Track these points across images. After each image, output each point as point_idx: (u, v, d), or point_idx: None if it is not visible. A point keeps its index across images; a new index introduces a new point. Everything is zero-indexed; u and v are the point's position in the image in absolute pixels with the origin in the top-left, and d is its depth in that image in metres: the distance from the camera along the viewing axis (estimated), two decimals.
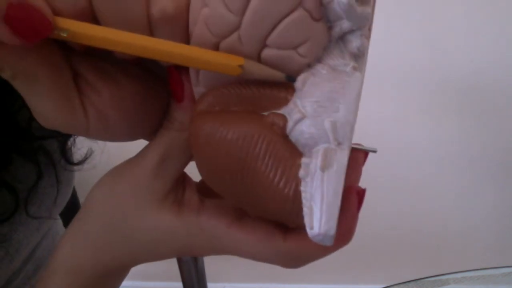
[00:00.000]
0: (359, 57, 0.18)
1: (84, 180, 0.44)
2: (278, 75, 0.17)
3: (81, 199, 0.65)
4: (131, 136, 0.22)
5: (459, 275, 0.64)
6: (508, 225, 1.18)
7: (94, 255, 0.23)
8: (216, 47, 0.17)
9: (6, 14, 0.15)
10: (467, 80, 1.05)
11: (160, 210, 0.21)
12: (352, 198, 0.19)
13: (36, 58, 0.17)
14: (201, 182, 0.25)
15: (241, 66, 0.16)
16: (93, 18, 0.17)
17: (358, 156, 0.22)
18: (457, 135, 1.11)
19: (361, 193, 0.20)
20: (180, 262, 0.70)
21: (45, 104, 0.18)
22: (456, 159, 1.13)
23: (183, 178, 0.23)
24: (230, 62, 0.17)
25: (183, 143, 0.21)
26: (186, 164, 0.22)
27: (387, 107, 1.04)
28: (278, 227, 0.21)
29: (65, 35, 0.16)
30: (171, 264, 0.70)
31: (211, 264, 0.84)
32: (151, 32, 0.18)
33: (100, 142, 0.39)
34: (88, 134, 0.20)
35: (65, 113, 0.18)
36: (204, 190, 0.24)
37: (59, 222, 0.47)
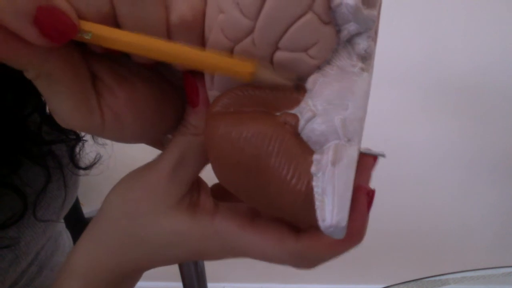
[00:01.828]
0: (367, 58, 0.19)
1: (84, 182, 0.44)
2: (287, 83, 0.18)
3: (81, 199, 0.65)
4: (144, 138, 0.22)
5: (459, 275, 0.64)
6: (508, 225, 1.18)
7: (110, 259, 0.23)
8: (231, 51, 0.18)
9: (36, 17, 0.16)
10: (467, 80, 1.05)
11: (175, 214, 0.22)
12: (361, 198, 0.20)
13: (58, 59, 0.18)
14: (214, 187, 0.25)
15: (252, 73, 0.17)
16: (115, 23, 0.18)
17: (367, 160, 0.23)
18: (457, 135, 1.11)
19: (370, 193, 0.20)
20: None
21: (64, 104, 0.19)
22: (456, 159, 1.13)
23: (198, 182, 0.24)
24: (242, 69, 0.17)
25: (198, 147, 0.22)
26: (201, 168, 0.23)
27: (386, 107, 1.04)
28: (290, 228, 0.21)
29: (88, 37, 0.17)
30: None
31: (211, 264, 0.84)
32: (169, 38, 0.18)
33: (108, 148, 0.40)
34: (103, 135, 0.21)
35: (83, 113, 0.19)
36: (217, 195, 0.24)
37: (62, 223, 0.47)
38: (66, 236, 0.47)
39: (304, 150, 0.18)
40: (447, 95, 1.06)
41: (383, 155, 0.23)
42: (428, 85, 1.05)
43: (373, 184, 0.21)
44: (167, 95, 0.22)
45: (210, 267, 0.75)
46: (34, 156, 0.33)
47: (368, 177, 0.22)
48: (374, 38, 0.19)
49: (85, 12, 0.17)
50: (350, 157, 0.17)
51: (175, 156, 0.22)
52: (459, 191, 1.17)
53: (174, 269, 0.70)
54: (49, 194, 0.35)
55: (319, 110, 0.18)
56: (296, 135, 0.18)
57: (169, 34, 0.18)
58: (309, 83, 0.18)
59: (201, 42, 0.19)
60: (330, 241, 0.20)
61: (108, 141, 0.41)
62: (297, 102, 0.18)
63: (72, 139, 0.37)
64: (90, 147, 0.40)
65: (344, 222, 0.17)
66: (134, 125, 0.21)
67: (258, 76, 0.17)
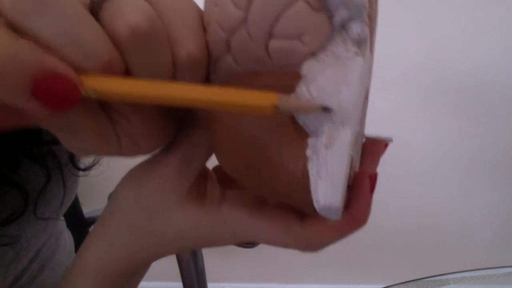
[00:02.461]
0: (361, 43, 0.19)
1: (84, 182, 0.45)
2: (314, 107, 0.18)
3: (81, 199, 0.65)
4: (154, 150, 0.22)
5: (459, 275, 0.64)
6: (508, 225, 1.19)
7: (121, 253, 0.24)
8: (228, 43, 0.19)
9: (33, 88, 0.14)
10: (467, 80, 1.05)
11: (185, 205, 0.22)
12: (364, 181, 0.20)
13: (76, 110, 0.17)
14: (216, 169, 0.26)
15: (275, 106, 0.17)
16: (117, 71, 0.17)
17: (378, 146, 0.24)
18: (457, 135, 1.11)
19: (373, 177, 0.21)
20: (180, 262, 0.70)
21: (83, 142, 0.18)
22: (456, 159, 1.13)
23: (205, 172, 0.24)
24: (264, 103, 0.17)
25: (205, 139, 0.22)
26: (208, 158, 0.23)
27: (386, 107, 1.04)
28: (296, 213, 0.21)
29: (94, 95, 0.16)
30: (171, 264, 0.70)
31: (211, 264, 0.84)
32: (174, 75, 0.18)
33: None
34: (120, 155, 0.21)
35: (102, 144, 0.19)
36: (222, 181, 0.24)
37: (63, 222, 0.48)
38: (67, 235, 0.48)
39: (300, 135, 0.18)
40: (447, 95, 1.06)
41: (391, 140, 0.24)
42: (428, 85, 1.05)
43: None
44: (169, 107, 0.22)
45: (210, 267, 0.75)
46: (34, 156, 0.33)
47: (376, 162, 0.23)
48: (368, 23, 0.19)
49: (86, 65, 0.16)
50: (344, 140, 0.18)
51: (182, 149, 0.22)
52: (459, 191, 1.17)
53: (174, 269, 0.70)
54: (49, 192, 0.35)
55: (313, 96, 0.18)
56: (292, 120, 0.19)
57: (175, 72, 0.18)
58: (304, 70, 0.18)
59: (204, 74, 0.19)
60: (335, 225, 0.20)
61: None
62: (292, 89, 0.18)
63: None
64: None
65: (337, 203, 0.17)
66: (148, 143, 0.21)
67: (282, 108, 0.17)
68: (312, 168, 0.18)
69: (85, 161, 0.40)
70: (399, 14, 0.98)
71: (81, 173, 0.40)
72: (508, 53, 1.01)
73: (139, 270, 0.26)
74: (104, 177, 0.44)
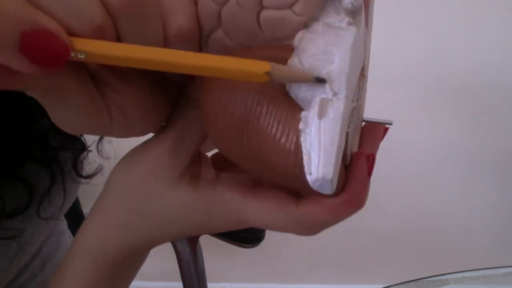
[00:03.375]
0: (355, 13, 0.19)
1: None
2: (307, 77, 0.18)
3: (81, 200, 0.65)
4: (150, 129, 0.22)
5: (459, 275, 0.64)
6: (508, 225, 1.19)
7: (117, 237, 0.23)
8: (218, 15, 0.18)
9: (21, 45, 0.14)
10: (467, 80, 1.05)
11: (179, 186, 0.22)
12: (361, 162, 0.20)
13: (65, 71, 0.17)
14: (214, 157, 0.26)
15: (268, 73, 0.17)
16: (108, 36, 0.17)
17: (377, 130, 0.23)
18: (457, 135, 1.11)
19: (371, 158, 0.20)
20: (180, 262, 0.70)
21: (72, 114, 0.18)
22: (456, 159, 1.13)
23: (199, 154, 0.24)
24: (256, 70, 0.17)
25: (199, 119, 0.22)
26: (202, 140, 0.23)
27: (386, 107, 1.04)
28: (292, 195, 0.21)
29: (82, 57, 0.15)
30: (171, 264, 0.70)
31: (211, 264, 0.84)
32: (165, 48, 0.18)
33: (111, 162, 0.41)
34: (112, 133, 0.20)
35: (92, 118, 0.19)
36: (218, 165, 0.24)
37: (64, 222, 0.48)
38: (68, 235, 0.48)
39: (292, 108, 0.18)
40: (447, 95, 1.06)
41: (390, 123, 0.23)
42: (428, 85, 1.05)
43: (373, 184, 0.21)
44: (160, 82, 0.22)
45: (210, 267, 0.75)
46: (40, 159, 0.33)
47: (375, 147, 0.23)
48: None
49: (76, 27, 0.15)
50: (337, 111, 0.17)
51: (177, 128, 0.22)
52: (459, 191, 1.17)
53: (174, 269, 0.70)
54: (51, 194, 0.36)
55: (305, 67, 0.18)
56: (284, 93, 0.18)
57: (166, 46, 0.18)
58: (296, 41, 0.18)
59: (196, 50, 0.19)
60: (330, 206, 0.20)
61: (111, 155, 0.42)
62: (284, 61, 0.18)
63: (78, 148, 0.38)
64: (94, 157, 0.41)
65: (329, 175, 0.17)
66: (140, 118, 0.21)
67: (275, 74, 0.17)
68: (305, 141, 0.17)
69: (87, 169, 0.41)
70: (399, 14, 0.98)
71: (83, 180, 0.40)
72: (508, 53, 1.01)
73: (135, 256, 0.25)
74: (105, 178, 0.44)
